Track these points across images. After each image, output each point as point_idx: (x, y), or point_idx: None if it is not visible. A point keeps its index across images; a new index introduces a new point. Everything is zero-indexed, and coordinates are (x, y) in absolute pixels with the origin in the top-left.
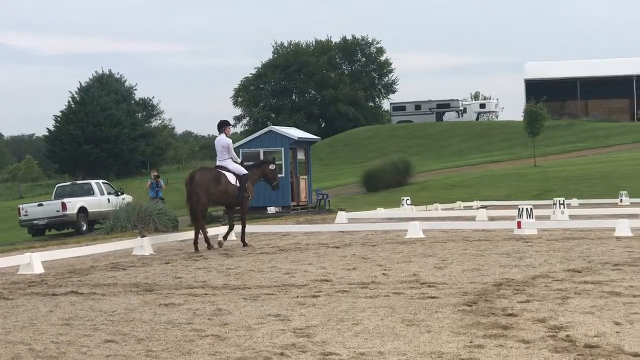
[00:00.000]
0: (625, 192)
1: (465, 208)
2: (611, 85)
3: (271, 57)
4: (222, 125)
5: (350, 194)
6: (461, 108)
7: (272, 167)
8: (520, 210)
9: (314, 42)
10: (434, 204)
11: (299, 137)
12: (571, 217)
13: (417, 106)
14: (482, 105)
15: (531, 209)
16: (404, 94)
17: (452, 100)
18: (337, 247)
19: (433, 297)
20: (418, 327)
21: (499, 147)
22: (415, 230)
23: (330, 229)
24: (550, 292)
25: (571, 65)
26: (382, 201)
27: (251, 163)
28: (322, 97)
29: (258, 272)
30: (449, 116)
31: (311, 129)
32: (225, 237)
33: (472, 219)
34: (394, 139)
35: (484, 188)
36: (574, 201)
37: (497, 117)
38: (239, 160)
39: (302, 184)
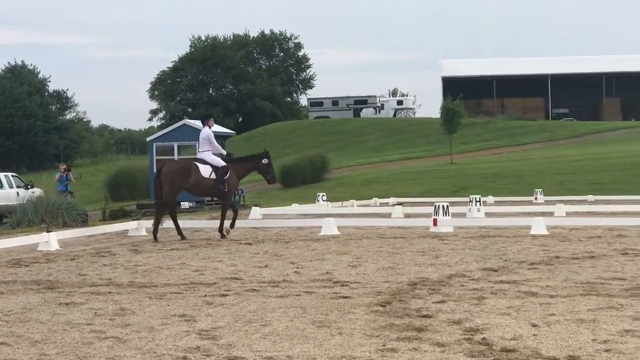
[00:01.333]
0: (540, 189)
1: (382, 205)
2: (526, 84)
3: (188, 51)
4: (205, 118)
5: (266, 190)
6: (379, 104)
7: (264, 161)
8: (437, 207)
9: (231, 37)
10: (350, 201)
11: (214, 131)
12: (487, 214)
13: (335, 102)
14: (400, 102)
15: (447, 206)
16: (321, 89)
17: (369, 96)
18: (250, 244)
19: (346, 297)
20: (329, 328)
21: (416, 144)
22: (329, 227)
23: (244, 225)
24: (466, 292)
25: (488, 63)
26: (299, 197)
27: (243, 156)
28: (239, 92)
29: (166, 270)
30: (367, 112)
31: (228, 124)
32: (231, 226)
33: (388, 215)
34: (311, 135)
35: (400, 185)
36: (490, 198)
37: (414, 114)
38: (224, 152)
39: None
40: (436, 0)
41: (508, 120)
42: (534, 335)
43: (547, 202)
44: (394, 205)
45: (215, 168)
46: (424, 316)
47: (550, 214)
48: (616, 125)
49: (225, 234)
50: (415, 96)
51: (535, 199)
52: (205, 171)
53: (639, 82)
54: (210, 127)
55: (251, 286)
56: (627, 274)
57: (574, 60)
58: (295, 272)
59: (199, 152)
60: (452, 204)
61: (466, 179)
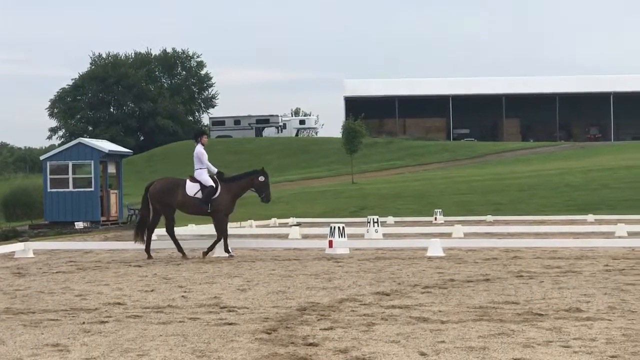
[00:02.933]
0: (440, 210)
1: (281, 225)
2: (428, 104)
3: (89, 68)
4: (197, 135)
5: None
6: (281, 124)
7: (261, 178)
8: (332, 228)
9: (133, 54)
10: (249, 221)
11: (109, 150)
12: (385, 235)
13: (237, 121)
14: (302, 122)
15: (343, 227)
16: (224, 108)
17: (271, 115)
18: (140, 266)
19: (231, 324)
20: (209, 359)
21: (318, 164)
22: (223, 249)
23: (137, 246)
24: (356, 318)
25: (390, 83)
26: (199, 217)
27: (238, 174)
28: (140, 110)
29: (48, 294)
30: (269, 132)
31: (129, 143)
32: (209, 248)
33: (286, 236)
34: (213, 154)
35: (301, 204)
36: (390, 219)
37: (317, 134)
38: (214, 170)
39: (113, 199)
40: (340, 20)
41: (410, 140)
42: None
43: (446, 223)
44: (291, 226)
45: (202, 187)
46: (310, 344)
47: (449, 234)
48: (515, 145)
49: (231, 251)
50: (317, 116)
51: (435, 219)
52: (192, 189)
53: (537, 103)
54: (203, 145)
55: (134, 312)
56: (520, 297)
57: (474, 81)
58: (182, 296)
59: (194, 170)
60: (352, 224)
61: (367, 199)
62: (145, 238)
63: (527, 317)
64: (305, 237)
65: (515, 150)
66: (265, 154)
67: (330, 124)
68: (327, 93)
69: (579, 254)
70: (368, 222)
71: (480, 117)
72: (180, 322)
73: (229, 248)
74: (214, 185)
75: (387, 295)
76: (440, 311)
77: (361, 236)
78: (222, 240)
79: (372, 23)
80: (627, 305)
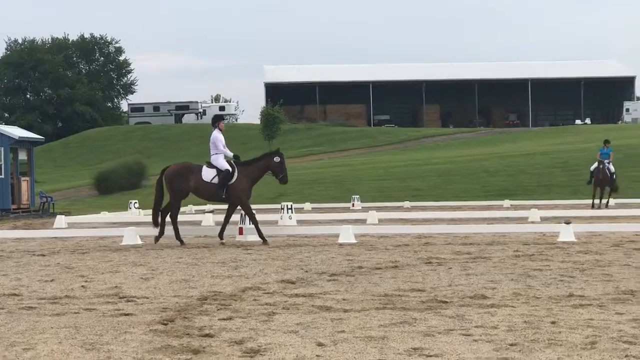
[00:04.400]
0: (357, 196)
1: (197, 212)
2: (349, 90)
3: (4, 54)
4: (215, 120)
5: (82, 197)
6: (200, 110)
7: (276, 159)
8: (243, 215)
9: (50, 40)
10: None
11: (20, 137)
12: (299, 222)
13: (156, 107)
14: (222, 108)
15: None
16: (143, 95)
17: (191, 102)
18: (44, 255)
19: (127, 314)
20: (98, 352)
21: (237, 150)
22: (131, 237)
23: (45, 234)
24: (258, 307)
25: (311, 70)
26: (114, 204)
27: (252, 158)
28: (58, 97)
29: None
30: (188, 118)
31: (47, 129)
32: (260, 236)
33: (199, 223)
34: (132, 141)
35: None
36: (307, 205)
37: (237, 120)
38: (230, 154)
39: (24, 186)
40: (260, 6)
41: (330, 126)
42: (317, 356)
43: (364, 209)
44: (205, 212)
45: (219, 172)
46: (206, 335)
47: (363, 221)
48: (435, 131)
49: (266, 239)
50: (238, 102)
51: (353, 205)
52: (208, 175)
53: (457, 89)
54: (221, 130)
55: (29, 303)
56: (427, 284)
57: (395, 68)
58: (81, 286)
59: (210, 155)
60: (268, 211)
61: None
62: (160, 222)
63: (431, 305)
64: (218, 224)
65: (435, 136)
66: (184, 140)
67: (252, 110)
68: (249, 80)
69: (490, 239)
70: (282, 209)
71: (400, 104)
72: (75, 313)
73: (223, 235)
74: (230, 169)
75: (293, 283)
76: (344, 299)
77: (275, 223)
78: (222, 224)
79: (294, 9)
80: (532, 292)
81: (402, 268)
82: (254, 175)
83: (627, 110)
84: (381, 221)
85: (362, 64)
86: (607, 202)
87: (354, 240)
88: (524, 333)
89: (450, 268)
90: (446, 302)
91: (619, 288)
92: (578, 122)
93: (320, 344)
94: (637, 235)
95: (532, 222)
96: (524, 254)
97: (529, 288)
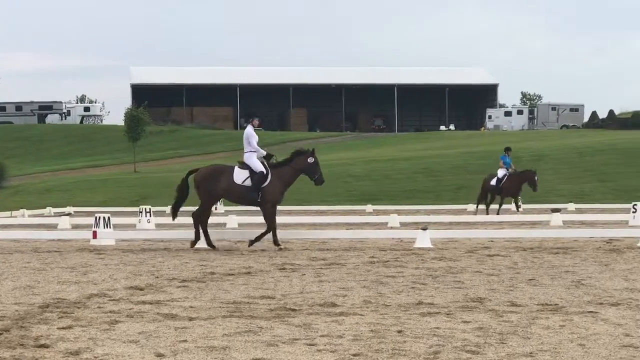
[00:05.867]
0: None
1: (56, 215)
2: (216, 93)
3: None
4: (249, 117)
5: None
6: (65, 111)
7: (310, 159)
8: (97, 219)
9: None
10: (21, 210)
11: None
12: (158, 226)
13: (18, 107)
14: (87, 109)
15: (109, 217)
16: (7, 94)
17: (55, 102)
18: None
19: None
20: None
21: (101, 152)
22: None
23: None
24: (101, 315)
25: (178, 72)
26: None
27: (284, 158)
28: None
29: None
30: (52, 118)
31: None
32: (256, 238)
33: (55, 227)
34: None
35: (81, 193)
36: (169, 209)
37: (102, 121)
38: (263, 153)
39: None
40: (126, 8)
41: (196, 128)
42: None
43: (225, 212)
44: (61, 215)
45: (252, 173)
46: (41, 346)
47: (224, 225)
48: (301, 135)
49: (280, 244)
50: (103, 103)
51: (216, 209)
52: (240, 177)
53: (324, 93)
54: (254, 127)
55: None
56: (277, 291)
57: (263, 71)
58: None
59: (244, 152)
60: (126, 214)
61: (150, 187)
62: (194, 227)
63: (279, 313)
64: (75, 227)
65: (301, 140)
66: (47, 140)
67: (118, 112)
68: (116, 81)
69: (348, 245)
70: (140, 212)
71: (268, 107)
72: None
73: (278, 240)
74: (264, 171)
75: (141, 289)
76: (191, 307)
77: (133, 226)
78: (272, 231)
79: (162, 10)
80: (382, 299)
81: (255, 274)
82: (288, 177)
83: (490, 117)
84: (241, 225)
85: (230, 67)
86: (499, 208)
87: (205, 245)
88: (369, 342)
89: (304, 274)
90: (295, 310)
91: (468, 295)
92: (442, 128)
93: (159, 355)
94: (491, 241)
95: (392, 228)
96: (379, 260)
97: (379, 295)
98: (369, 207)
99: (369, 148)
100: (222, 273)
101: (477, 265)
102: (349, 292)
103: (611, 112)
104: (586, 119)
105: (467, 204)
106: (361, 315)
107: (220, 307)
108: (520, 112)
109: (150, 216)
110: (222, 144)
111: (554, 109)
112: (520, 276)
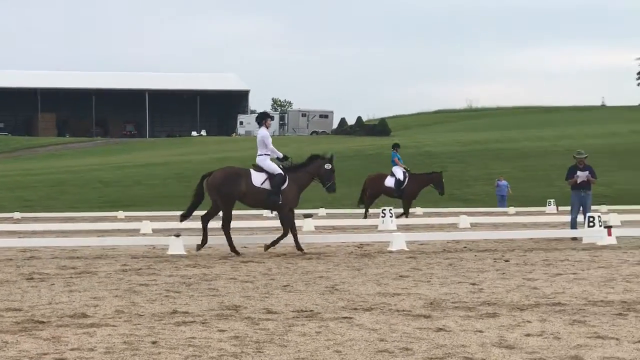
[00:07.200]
0: None
1: None
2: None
3: None
4: (262, 118)
5: None
6: None
7: (328, 166)
8: None
9: None
10: None
11: None
12: None
13: None
14: None
15: None
16: None
17: None
18: None
19: None
20: None
21: None
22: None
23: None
24: None
25: None
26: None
27: (300, 162)
28: None
29: None
30: None
31: None
32: (272, 243)
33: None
34: None
35: None
36: None
37: None
38: (280, 155)
39: None
40: None
41: None
42: None
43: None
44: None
45: (270, 176)
46: None
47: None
48: (50, 140)
49: (303, 249)
50: None
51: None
52: (258, 179)
53: (74, 98)
54: (267, 128)
55: None
56: (25, 303)
57: (7, 75)
58: None
59: (257, 156)
60: None
61: None
62: (202, 230)
63: (26, 326)
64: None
65: (50, 145)
66: None
67: None
68: None
69: (99, 253)
70: None
71: (14, 111)
72: None
73: (300, 244)
74: (282, 173)
75: None
76: None
77: None
78: (292, 237)
79: None
80: (135, 309)
81: (1, 285)
82: (303, 181)
83: (242, 123)
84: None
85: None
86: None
87: None
88: (122, 355)
89: (53, 284)
90: (43, 322)
91: (224, 303)
92: (194, 133)
93: None
94: (245, 247)
95: (144, 235)
96: (132, 268)
97: (132, 305)
98: (121, 214)
99: (120, 154)
100: None
101: (232, 272)
102: (101, 301)
103: (359, 119)
104: (335, 125)
105: None
106: (114, 326)
107: None
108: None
109: None
110: None
111: (304, 115)
112: (275, 282)
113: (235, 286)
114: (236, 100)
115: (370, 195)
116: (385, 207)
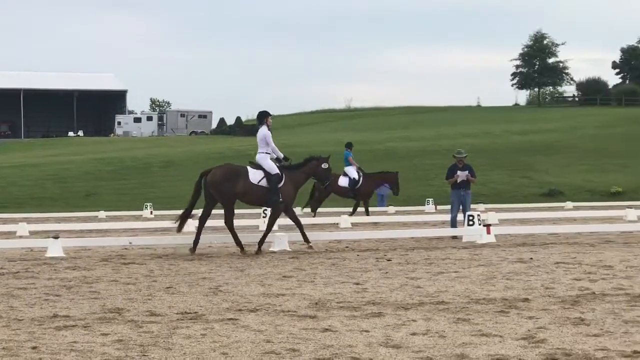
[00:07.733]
0: None
1: None
2: None
3: None
4: (263, 116)
5: None
6: None
7: (324, 165)
8: None
9: None
10: None
11: None
12: None
13: None
14: None
15: None
16: None
17: None
18: None
19: None
20: None
21: None
22: None
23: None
24: None
25: None
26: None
27: (297, 163)
28: None
29: None
30: None
31: None
32: (305, 240)
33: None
34: None
35: None
36: None
37: None
38: (281, 155)
39: None
40: None
41: None
42: None
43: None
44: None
45: (267, 175)
46: None
47: None
48: None
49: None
50: None
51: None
52: (256, 177)
53: None
54: (268, 126)
55: None
56: None
57: None
58: None
59: (257, 154)
60: None
61: None
62: (196, 231)
63: None
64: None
65: None
66: None
67: None
68: None
69: None
70: None
71: None
72: None
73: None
74: (279, 173)
75: None
76: None
77: None
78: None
79: None
80: (14, 313)
81: None
82: (299, 180)
83: (119, 123)
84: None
85: None
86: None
87: None
88: None
89: None
90: None
91: (106, 306)
92: (71, 134)
93: None
94: (126, 249)
95: (21, 237)
96: (9, 271)
97: (11, 309)
98: None
99: None
100: None
101: (113, 274)
102: None
103: (238, 119)
104: (214, 125)
105: (98, 210)
106: None
107: None
108: (149, 119)
109: None
110: None
111: (183, 115)
112: (158, 284)
113: (117, 288)
114: (114, 100)
115: (320, 196)
116: (267, 208)
